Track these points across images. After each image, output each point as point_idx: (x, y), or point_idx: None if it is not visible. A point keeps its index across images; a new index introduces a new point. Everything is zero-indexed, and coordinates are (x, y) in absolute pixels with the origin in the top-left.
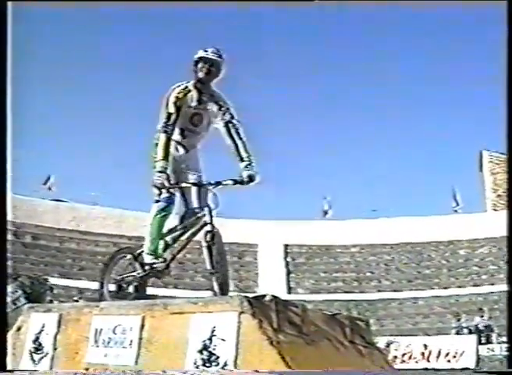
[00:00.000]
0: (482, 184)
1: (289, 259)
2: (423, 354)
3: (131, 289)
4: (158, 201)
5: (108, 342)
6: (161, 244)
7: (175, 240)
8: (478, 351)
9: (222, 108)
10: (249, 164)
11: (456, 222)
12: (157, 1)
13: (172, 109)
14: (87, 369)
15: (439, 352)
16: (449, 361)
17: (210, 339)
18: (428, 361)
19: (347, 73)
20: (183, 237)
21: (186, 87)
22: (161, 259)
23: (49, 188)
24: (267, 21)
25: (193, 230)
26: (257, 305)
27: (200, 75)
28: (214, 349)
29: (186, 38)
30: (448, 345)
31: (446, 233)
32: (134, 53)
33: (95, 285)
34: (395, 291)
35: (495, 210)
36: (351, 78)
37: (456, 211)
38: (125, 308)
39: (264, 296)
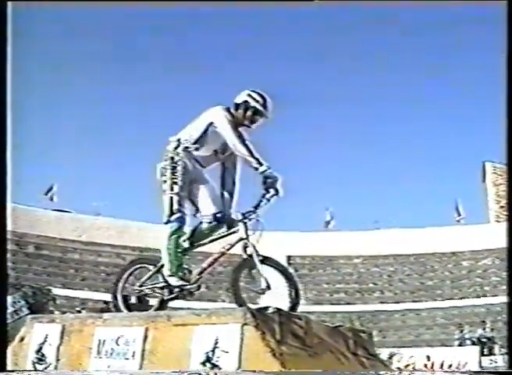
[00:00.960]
0: (485, 195)
1: (291, 270)
2: (426, 365)
3: (133, 300)
4: (168, 222)
5: (111, 353)
6: (181, 264)
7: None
8: (480, 362)
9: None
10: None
11: (459, 233)
12: (157, 2)
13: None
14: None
15: (442, 363)
16: (452, 372)
17: (213, 351)
18: (432, 372)
19: (349, 82)
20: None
21: (234, 114)
22: (194, 283)
23: (51, 198)
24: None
25: (226, 245)
26: (260, 317)
27: (245, 120)
28: (217, 361)
29: (186, 38)
30: (451, 357)
31: (449, 244)
32: (136, 54)
33: (97, 295)
34: (397, 302)
35: (498, 221)
36: (353, 88)
37: (459, 222)
38: (128, 319)
39: (267, 308)
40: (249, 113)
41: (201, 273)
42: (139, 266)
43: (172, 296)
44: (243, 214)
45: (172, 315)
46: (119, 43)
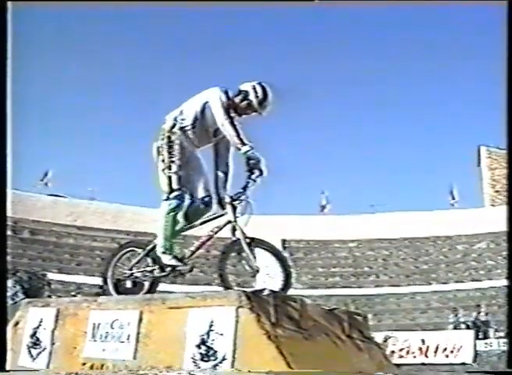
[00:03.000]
0: (480, 179)
1: (286, 254)
2: (421, 349)
3: (129, 284)
4: (167, 199)
5: (106, 337)
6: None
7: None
8: (475, 346)
9: None
10: (248, 150)
11: (454, 217)
12: (157, 2)
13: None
14: (84, 364)
15: (437, 347)
16: (446, 356)
17: (208, 333)
18: (426, 356)
19: (346, 70)
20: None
21: (231, 99)
22: (186, 265)
23: (46, 184)
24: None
25: (214, 228)
26: (255, 300)
27: (237, 109)
28: (212, 344)
29: (186, 38)
30: (446, 340)
31: (444, 228)
32: (134, 52)
33: (93, 280)
34: (393, 286)
35: (493, 205)
36: (350, 74)
37: (453, 206)
38: (123, 302)
39: (262, 290)
40: (243, 104)
41: (190, 255)
42: (128, 249)
43: (164, 274)
44: (230, 197)
45: (166, 298)
46: (119, 34)
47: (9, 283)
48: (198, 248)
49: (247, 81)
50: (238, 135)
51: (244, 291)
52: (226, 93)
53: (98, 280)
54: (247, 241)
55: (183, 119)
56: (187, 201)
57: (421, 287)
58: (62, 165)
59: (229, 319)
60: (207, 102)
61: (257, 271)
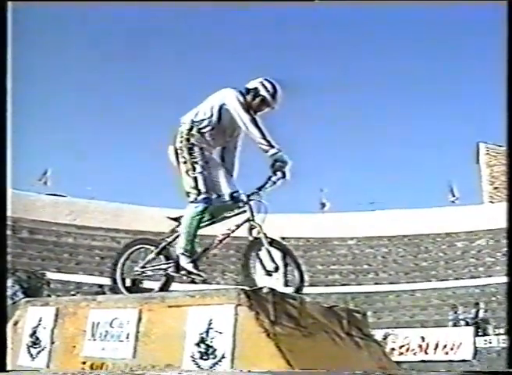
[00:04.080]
0: (479, 176)
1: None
2: (420, 346)
3: (128, 283)
4: (194, 201)
5: (105, 336)
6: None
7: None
8: (475, 343)
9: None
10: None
11: (453, 214)
12: (157, 2)
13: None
14: (83, 363)
15: (437, 344)
16: (446, 353)
17: (207, 332)
18: (426, 353)
19: (345, 69)
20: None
21: (245, 99)
22: (201, 275)
23: (45, 183)
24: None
25: (232, 227)
26: (254, 298)
27: (251, 107)
28: (211, 342)
29: (185, 38)
30: (445, 337)
31: (443, 225)
32: (135, 52)
33: (92, 279)
34: (392, 283)
35: (491, 202)
36: (349, 73)
37: (453, 203)
38: (122, 301)
39: (261, 288)
40: (257, 101)
41: (205, 252)
42: (138, 247)
43: (178, 275)
44: (247, 195)
45: (166, 296)
46: (119, 34)
47: (9, 282)
48: (216, 246)
49: (251, 79)
50: (265, 137)
51: (243, 289)
52: (242, 94)
53: (97, 279)
54: (268, 240)
55: (200, 122)
56: (214, 202)
57: (421, 284)
58: (61, 164)
59: (228, 318)
60: (224, 104)
61: (277, 270)
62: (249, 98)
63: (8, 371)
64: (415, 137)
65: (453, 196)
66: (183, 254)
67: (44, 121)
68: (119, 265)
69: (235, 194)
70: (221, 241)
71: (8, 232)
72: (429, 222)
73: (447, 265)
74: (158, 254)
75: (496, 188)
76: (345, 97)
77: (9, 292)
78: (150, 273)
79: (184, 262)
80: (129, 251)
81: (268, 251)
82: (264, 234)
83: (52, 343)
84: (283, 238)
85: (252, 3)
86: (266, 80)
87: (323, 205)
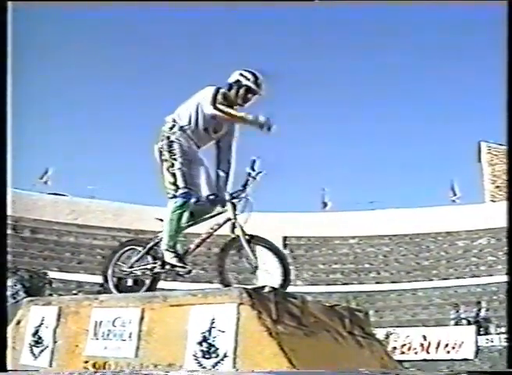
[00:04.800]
0: (481, 175)
1: (287, 251)
2: (422, 345)
3: (129, 282)
4: (174, 197)
5: (108, 335)
6: (180, 239)
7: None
8: (477, 341)
9: (232, 133)
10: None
11: (454, 213)
12: (157, 2)
13: (213, 111)
14: (86, 362)
15: (438, 343)
16: (448, 352)
17: (209, 331)
18: (428, 352)
19: (345, 67)
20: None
21: (226, 95)
22: (186, 267)
23: (45, 182)
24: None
25: (214, 226)
26: (256, 297)
27: (238, 99)
28: (213, 341)
29: (184, 38)
30: (447, 336)
31: (444, 224)
32: (134, 51)
33: (94, 278)
34: (394, 282)
35: (493, 201)
36: (349, 71)
37: (454, 202)
38: (124, 300)
39: (263, 287)
40: (241, 92)
41: (190, 253)
42: (128, 247)
43: (163, 271)
44: (230, 194)
45: (168, 295)
46: (119, 33)
47: (10, 282)
48: (198, 246)
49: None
50: (231, 114)
51: (245, 288)
52: (218, 89)
53: (99, 279)
54: (247, 238)
55: (181, 120)
56: (193, 200)
57: (422, 283)
58: (62, 163)
59: (230, 317)
60: (199, 103)
61: (256, 268)
62: (233, 92)
63: (8, 371)
64: (417, 136)
65: (455, 195)
66: (166, 250)
67: (44, 120)
68: (110, 265)
69: (211, 197)
70: (203, 240)
71: (10, 231)
72: (430, 221)
73: (448, 264)
74: (146, 254)
75: (497, 187)
76: (347, 95)
77: (11, 292)
78: (138, 272)
79: (168, 257)
80: (120, 252)
81: (248, 249)
82: (243, 232)
83: (55, 342)
84: (285, 238)
85: (252, 3)
86: (245, 70)
87: (325, 204)
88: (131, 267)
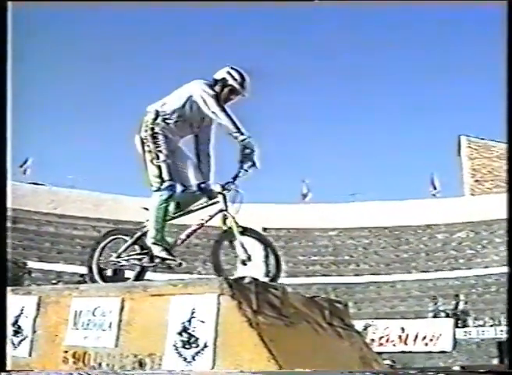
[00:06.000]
0: (460, 169)
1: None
2: (400, 337)
3: (114, 272)
4: (158, 190)
5: (88, 324)
6: (166, 233)
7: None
8: (454, 334)
9: (211, 126)
10: (245, 139)
11: (434, 206)
12: (157, 2)
13: (201, 104)
14: (66, 352)
15: (417, 335)
16: (426, 344)
17: (189, 321)
18: (406, 344)
19: (329, 60)
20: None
21: (211, 91)
22: (175, 259)
23: (24, 171)
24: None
25: (206, 217)
26: (236, 287)
27: (222, 95)
28: (193, 331)
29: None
30: (425, 328)
31: (423, 217)
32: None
33: (73, 268)
34: (373, 274)
35: (472, 195)
36: (332, 64)
37: (434, 195)
38: (104, 290)
39: (243, 278)
40: (225, 91)
41: (181, 243)
42: (114, 237)
43: (152, 265)
44: (222, 185)
45: (148, 285)
46: (119, 33)
47: None
48: (188, 236)
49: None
50: (234, 123)
51: (226, 279)
52: (210, 85)
53: (79, 269)
54: (240, 230)
55: (164, 111)
56: (180, 189)
57: (401, 275)
58: (42, 153)
59: (210, 307)
60: (191, 96)
61: (250, 259)
62: (217, 88)
63: (8, 371)
64: (397, 130)
65: (435, 188)
66: (154, 244)
67: (25, 110)
68: (96, 255)
69: (202, 185)
70: (194, 231)
71: None
72: (410, 214)
73: (427, 256)
74: (134, 244)
75: (477, 181)
76: (329, 88)
77: None
78: (125, 262)
79: (157, 251)
80: (106, 241)
81: (240, 241)
82: (236, 224)
83: (34, 332)
84: (265, 229)
85: (252, 3)
86: (233, 68)
87: (305, 196)
88: (118, 257)
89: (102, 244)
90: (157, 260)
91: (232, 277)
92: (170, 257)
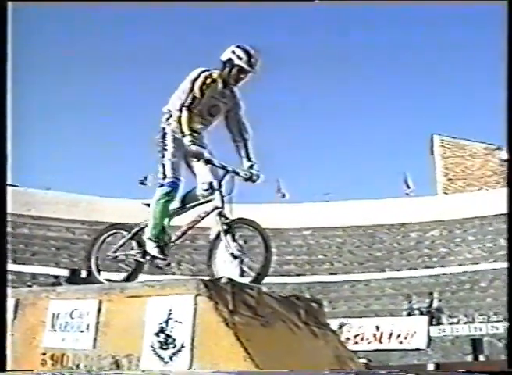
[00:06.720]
0: (433, 168)
1: (241, 242)
2: (375, 335)
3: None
4: (161, 186)
5: (66, 326)
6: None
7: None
8: (429, 332)
9: (238, 107)
10: (254, 164)
11: (407, 205)
12: (157, 1)
13: (197, 93)
14: (44, 354)
15: (391, 333)
16: (400, 342)
17: (166, 322)
18: (380, 342)
19: (299, 57)
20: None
21: (214, 76)
22: (165, 259)
23: None
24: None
25: (201, 214)
26: (213, 288)
27: (230, 79)
28: (171, 332)
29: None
30: (400, 326)
31: (397, 216)
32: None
33: (48, 270)
34: (347, 273)
35: (445, 193)
36: (302, 59)
37: (407, 194)
38: (82, 292)
39: (219, 279)
40: (234, 72)
41: (176, 240)
42: (113, 232)
43: (143, 260)
44: (219, 182)
45: (125, 287)
46: (118, 33)
47: None
48: (184, 233)
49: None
50: (182, 124)
51: (202, 280)
52: (204, 71)
53: (53, 270)
54: (225, 227)
55: (174, 109)
56: (181, 189)
57: (375, 274)
58: (16, 154)
59: (187, 307)
60: (193, 87)
61: (235, 257)
62: (226, 70)
63: (8, 371)
64: (371, 129)
65: (408, 187)
66: (149, 239)
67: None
68: (94, 251)
69: (214, 183)
70: (190, 228)
71: None
72: (384, 213)
73: (401, 255)
74: (131, 239)
75: (449, 180)
76: (302, 86)
77: None
78: (122, 257)
79: (150, 247)
80: (104, 235)
81: (228, 240)
82: (221, 221)
83: (12, 334)
84: None
85: (252, 3)
86: (238, 47)
87: (279, 195)
88: (115, 252)
89: (101, 240)
90: (148, 257)
91: (208, 278)
92: (160, 256)
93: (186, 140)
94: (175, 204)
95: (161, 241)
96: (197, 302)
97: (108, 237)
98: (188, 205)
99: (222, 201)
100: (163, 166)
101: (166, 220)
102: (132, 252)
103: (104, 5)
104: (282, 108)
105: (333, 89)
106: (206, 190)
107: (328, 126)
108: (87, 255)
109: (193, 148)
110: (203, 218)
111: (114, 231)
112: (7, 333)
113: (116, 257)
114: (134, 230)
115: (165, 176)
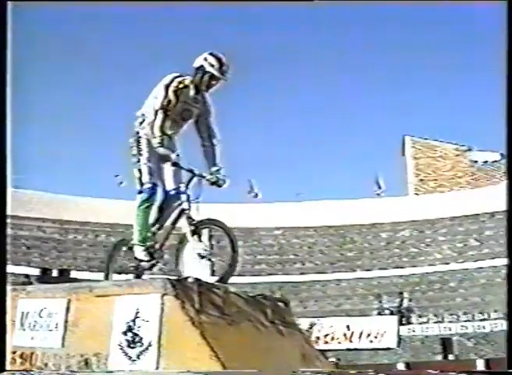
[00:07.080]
0: (404, 169)
1: (213, 242)
2: (345, 335)
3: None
4: (140, 192)
5: (35, 325)
6: (149, 234)
7: (159, 228)
8: (399, 331)
9: (208, 112)
10: (221, 168)
11: (378, 205)
12: (156, 1)
13: (172, 97)
14: (13, 353)
15: (361, 333)
16: (371, 341)
17: (134, 320)
18: (351, 341)
19: (273, 56)
20: (166, 224)
21: (186, 82)
22: (152, 260)
23: None
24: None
25: (173, 217)
26: (179, 287)
27: (201, 85)
28: (138, 330)
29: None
30: (370, 326)
31: (368, 216)
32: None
33: (18, 269)
34: (318, 273)
35: (416, 194)
36: (276, 58)
37: (378, 195)
38: (50, 291)
39: (186, 278)
40: (206, 78)
41: (160, 247)
42: (122, 245)
43: (133, 265)
44: (186, 185)
45: (93, 286)
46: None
47: None
48: (166, 239)
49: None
50: (155, 126)
51: (169, 279)
52: (177, 77)
53: (24, 270)
54: (191, 228)
55: (148, 113)
56: (160, 194)
57: (346, 274)
58: None
59: (154, 307)
60: (167, 92)
61: (202, 257)
62: (198, 77)
63: (8, 371)
64: (343, 129)
65: (379, 188)
66: (136, 244)
67: None
68: (111, 263)
69: (172, 190)
70: (169, 233)
71: None
72: (355, 213)
73: (372, 255)
74: (129, 250)
75: (421, 180)
76: (272, 86)
77: None
78: (126, 269)
79: (138, 251)
80: (117, 249)
81: (199, 235)
82: (188, 221)
83: None
84: (210, 229)
85: (252, 3)
86: (210, 54)
87: (256, 195)
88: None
89: (114, 253)
90: (137, 261)
91: (175, 278)
92: (146, 258)
93: (155, 142)
94: (153, 214)
95: (150, 245)
96: (164, 301)
97: (119, 250)
98: (166, 212)
99: (189, 204)
100: (139, 170)
101: (154, 225)
102: (133, 264)
103: (105, 5)
104: (251, 107)
105: (306, 88)
106: (176, 195)
107: (301, 126)
108: (106, 271)
109: (161, 150)
110: (174, 222)
111: (122, 245)
112: (6, 333)
113: (123, 269)
114: (130, 244)
115: (141, 182)
